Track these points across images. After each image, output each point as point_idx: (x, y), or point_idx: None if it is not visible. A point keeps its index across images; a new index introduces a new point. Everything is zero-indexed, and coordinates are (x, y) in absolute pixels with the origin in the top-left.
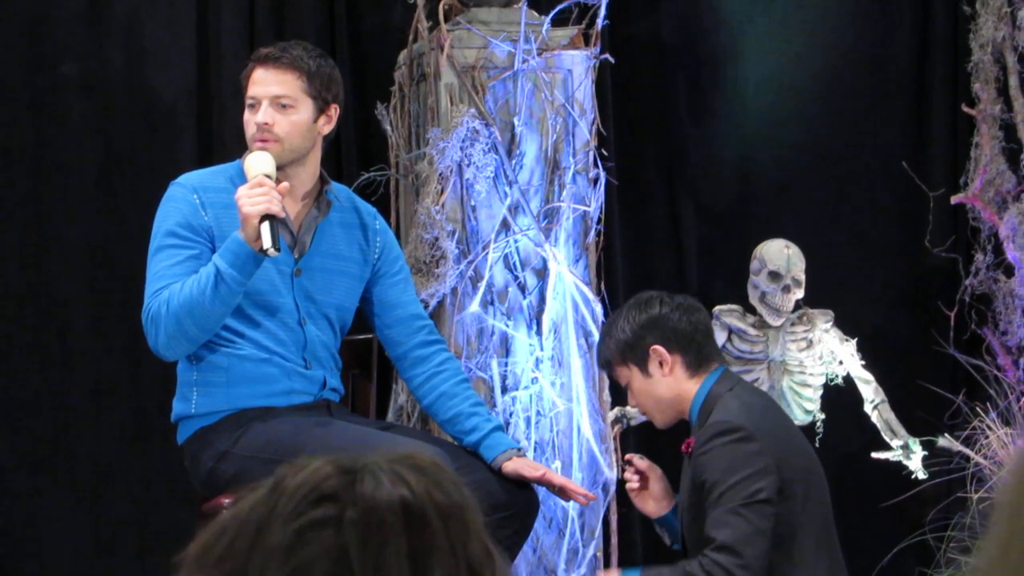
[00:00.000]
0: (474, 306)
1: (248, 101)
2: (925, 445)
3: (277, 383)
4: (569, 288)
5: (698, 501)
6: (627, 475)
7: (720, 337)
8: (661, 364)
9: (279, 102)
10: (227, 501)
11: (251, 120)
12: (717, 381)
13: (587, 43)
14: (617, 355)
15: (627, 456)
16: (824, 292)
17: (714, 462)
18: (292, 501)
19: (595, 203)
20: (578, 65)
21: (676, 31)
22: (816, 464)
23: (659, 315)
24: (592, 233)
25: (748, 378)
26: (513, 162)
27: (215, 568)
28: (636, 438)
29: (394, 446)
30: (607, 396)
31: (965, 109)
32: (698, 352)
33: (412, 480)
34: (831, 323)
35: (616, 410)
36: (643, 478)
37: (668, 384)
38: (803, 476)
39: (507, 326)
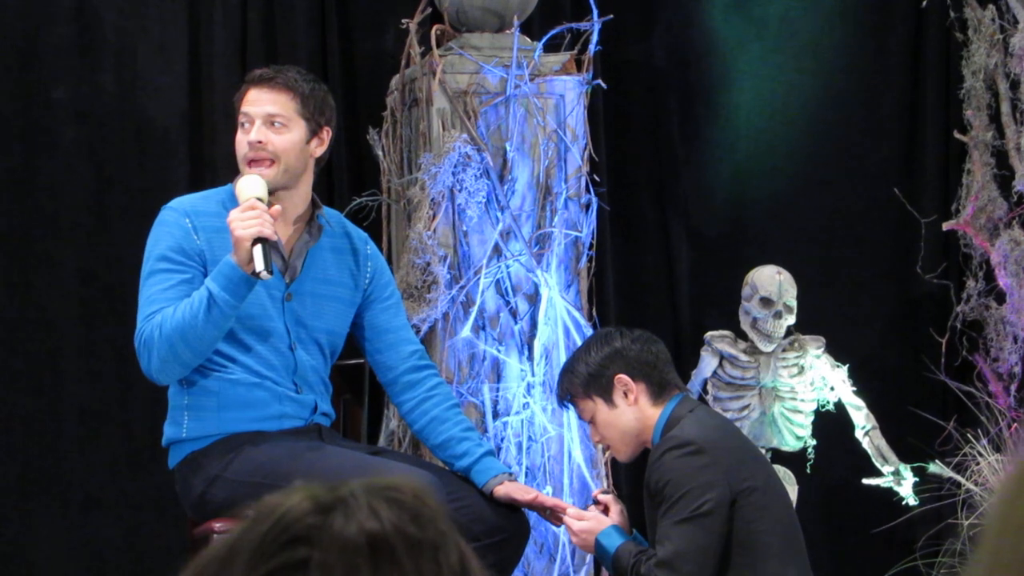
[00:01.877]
0: (465, 331)
1: (241, 120)
2: (916, 471)
3: (268, 407)
4: (561, 313)
5: (653, 511)
6: (591, 509)
7: (712, 363)
8: (626, 393)
9: (272, 121)
10: (218, 525)
11: (243, 140)
12: (678, 405)
13: (579, 69)
14: (580, 388)
15: (594, 493)
16: (816, 318)
17: (664, 474)
18: (263, 544)
19: (587, 229)
20: (570, 91)
21: (669, 57)
22: (776, 479)
23: (621, 347)
24: (584, 259)
25: (739, 404)
26: (505, 187)
27: None
28: (626, 464)
29: (385, 471)
30: None
31: (957, 136)
32: (660, 379)
33: (386, 514)
34: (822, 349)
35: None
36: (606, 510)
37: (633, 413)
38: (761, 489)
39: (498, 351)
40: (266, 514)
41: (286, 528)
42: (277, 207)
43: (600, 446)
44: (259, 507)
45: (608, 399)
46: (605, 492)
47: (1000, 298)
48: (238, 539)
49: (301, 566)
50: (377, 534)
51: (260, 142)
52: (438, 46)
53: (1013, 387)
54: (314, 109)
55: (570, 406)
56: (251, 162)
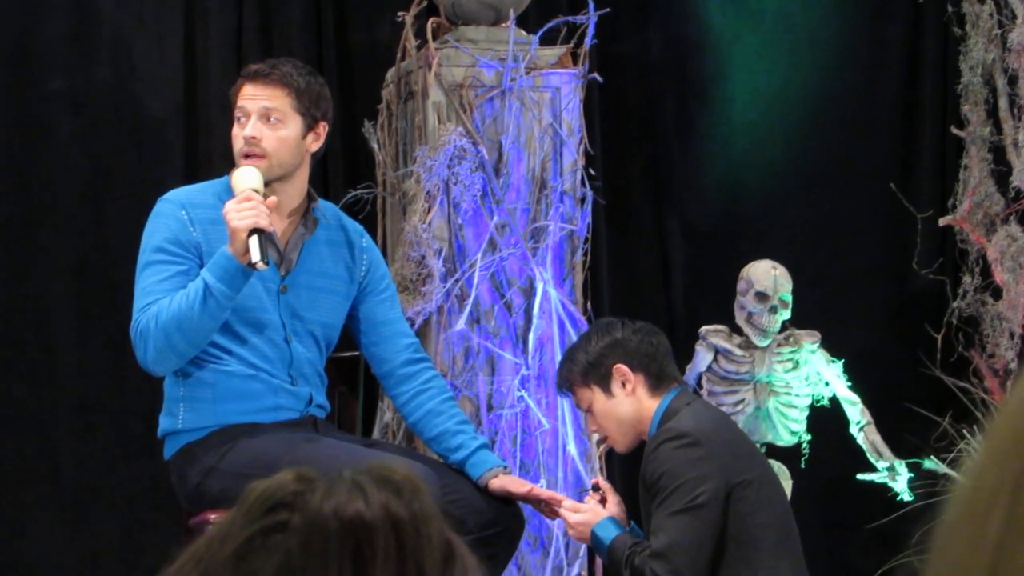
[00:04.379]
0: (460, 324)
1: (236, 115)
2: (911, 467)
3: (263, 399)
4: (555, 307)
5: (648, 502)
6: (589, 498)
7: (706, 357)
8: (624, 384)
9: (267, 116)
10: (213, 517)
11: (239, 135)
12: (675, 397)
13: (575, 62)
14: (579, 377)
15: (594, 480)
16: (811, 313)
17: (660, 465)
18: (249, 510)
19: (582, 222)
20: (566, 84)
21: (664, 50)
22: (771, 473)
23: (621, 337)
24: (579, 252)
25: (734, 399)
26: (500, 181)
27: None
28: (620, 457)
29: (379, 462)
30: None
31: (954, 131)
32: (659, 371)
33: (370, 490)
34: (818, 344)
35: None
36: (603, 501)
37: (630, 403)
38: (756, 483)
39: (493, 345)
40: (253, 490)
41: (269, 496)
42: (273, 198)
43: (594, 439)
44: (248, 488)
45: (606, 388)
46: (605, 481)
47: (996, 294)
48: (229, 518)
49: (280, 527)
50: (359, 509)
51: (255, 138)
52: (434, 39)
53: (1009, 383)
54: (310, 103)
55: (568, 395)
56: (246, 156)
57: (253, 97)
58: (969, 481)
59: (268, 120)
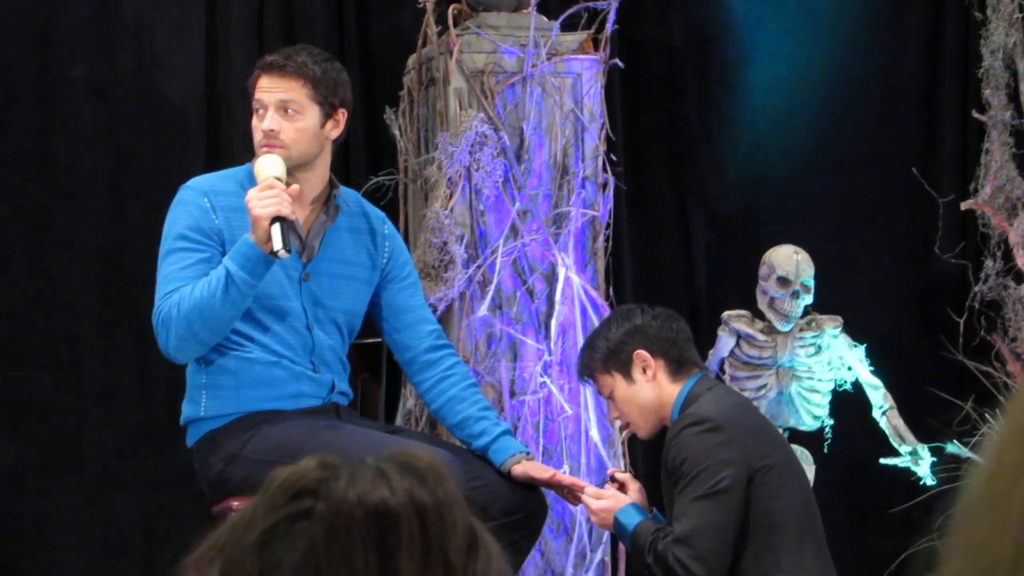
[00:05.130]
0: (482, 310)
1: (255, 107)
2: (934, 451)
3: (286, 386)
4: (577, 292)
5: (671, 488)
6: (608, 487)
7: (729, 343)
8: (644, 369)
9: (285, 108)
10: (236, 504)
11: (258, 127)
12: (697, 383)
13: (596, 48)
14: (600, 364)
15: (610, 471)
16: (833, 298)
17: (682, 451)
18: (273, 497)
19: (603, 208)
20: (587, 70)
21: (686, 36)
22: (793, 458)
23: (641, 323)
24: (601, 238)
25: (756, 383)
26: (522, 167)
27: (209, 568)
28: (643, 443)
29: (403, 448)
30: None
31: (975, 115)
32: (680, 356)
33: (394, 477)
34: (840, 329)
35: None
36: (623, 489)
37: (651, 389)
38: (778, 467)
39: (515, 331)
40: (276, 477)
41: (293, 484)
42: (295, 186)
43: (617, 425)
44: (271, 475)
45: (627, 375)
46: (622, 472)
47: (1018, 278)
48: (252, 505)
49: (304, 514)
50: (383, 496)
51: (274, 130)
52: (455, 25)
53: None
54: (327, 92)
55: (590, 382)
56: (266, 147)
57: (269, 89)
58: (990, 460)
59: (285, 112)
